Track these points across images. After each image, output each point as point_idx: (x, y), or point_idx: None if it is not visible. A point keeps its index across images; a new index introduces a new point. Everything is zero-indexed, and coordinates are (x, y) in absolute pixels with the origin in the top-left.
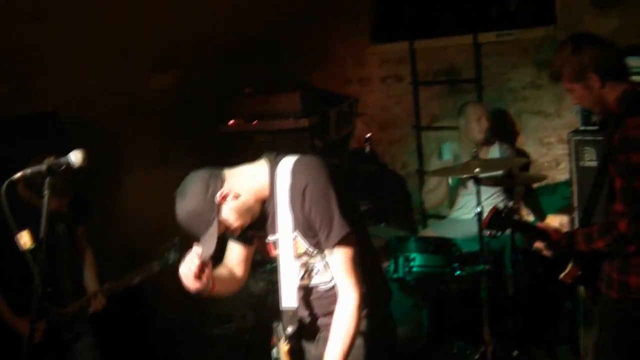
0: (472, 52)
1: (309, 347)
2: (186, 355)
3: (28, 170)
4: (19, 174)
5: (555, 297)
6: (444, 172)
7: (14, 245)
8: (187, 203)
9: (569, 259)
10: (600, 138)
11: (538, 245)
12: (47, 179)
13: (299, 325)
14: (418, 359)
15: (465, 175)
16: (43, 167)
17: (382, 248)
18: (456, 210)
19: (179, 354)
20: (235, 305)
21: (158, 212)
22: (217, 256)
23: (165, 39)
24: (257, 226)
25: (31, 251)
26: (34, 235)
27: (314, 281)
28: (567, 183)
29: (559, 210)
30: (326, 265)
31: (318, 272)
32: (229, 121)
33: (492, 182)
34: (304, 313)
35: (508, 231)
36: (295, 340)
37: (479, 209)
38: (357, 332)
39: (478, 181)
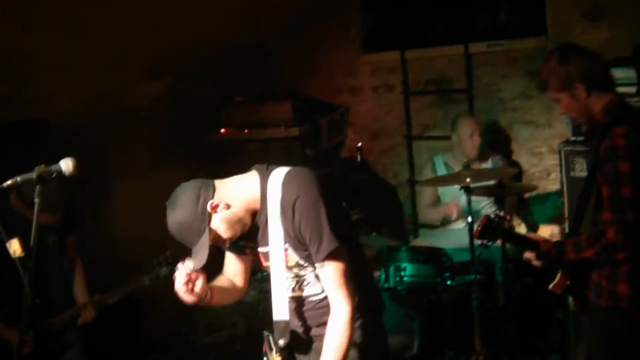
0: (463, 62)
1: (302, 359)
2: None
3: (18, 178)
4: (9, 182)
5: (546, 306)
6: (435, 182)
7: (4, 255)
8: (177, 213)
9: (557, 269)
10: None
11: (528, 255)
12: (38, 187)
13: (291, 337)
14: None
15: (456, 185)
16: (33, 175)
17: (373, 257)
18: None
19: None
20: (226, 314)
21: (149, 221)
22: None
23: (157, 47)
24: (248, 237)
25: (21, 260)
26: (24, 245)
27: (305, 292)
28: (558, 193)
29: (550, 221)
30: (317, 277)
31: (309, 283)
32: (221, 130)
33: (484, 192)
34: (296, 324)
35: (499, 241)
36: (288, 352)
37: (470, 219)
38: (350, 344)
39: (469, 191)
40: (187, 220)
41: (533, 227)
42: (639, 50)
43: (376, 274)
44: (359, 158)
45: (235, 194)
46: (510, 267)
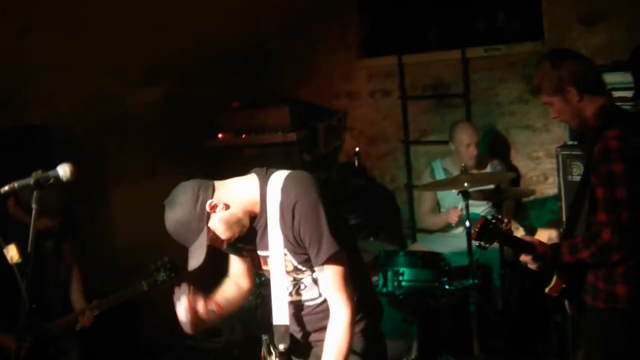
0: (460, 66)
1: None
2: None
3: (16, 184)
4: (6, 187)
5: (544, 310)
6: (433, 186)
7: (1, 260)
8: (176, 212)
9: (553, 272)
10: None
11: (524, 258)
12: (35, 193)
13: (291, 342)
14: None
15: (454, 190)
16: (31, 180)
17: (371, 262)
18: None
19: None
20: (224, 320)
21: (147, 226)
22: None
23: (154, 53)
24: (247, 240)
25: (18, 266)
26: (22, 250)
27: (303, 297)
28: (556, 197)
29: (548, 225)
30: (314, 281)
31: (305, 287)
32: (218, 135)
33: (481, 196)
34: (295, 330)
35: (496, 244)
36: (287, 357)
37: (467, 224)
38: (351, 347)
39: (467, 196)
40: (186, 218)
41: (531, 231)
42: (635, 55)
43: (374, 278)
44: (356, 163)
45: (235, 195)
46: (508, 272)
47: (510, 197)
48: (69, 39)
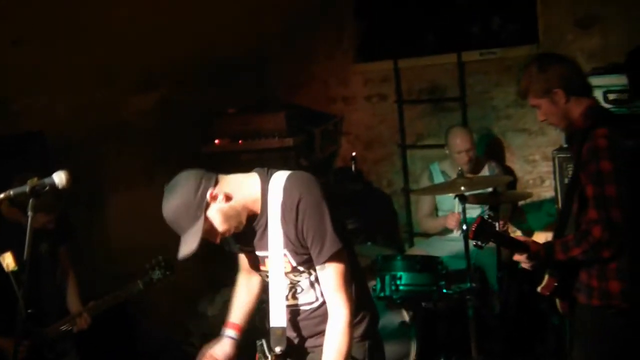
0: (456, 70)
1: None
2: None
3: (11, 192)
4: (2, 195)
5: (542, 313)
6: (429, 190)
7: None
8: (175, 197)
9: (544, 271)
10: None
11: (517, 257)
12: (31, 201)
13: (288, 345)
14: None
15: (451, 194)
16: (26, 188)
17: (369, 267)
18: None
19: None
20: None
21: (144, 232)
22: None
23: (149, 59)
24: (245, 240)
25: (14, 273)
26: (17, 256)
27: (299, 301)
28: (553, 200)
29: (545, 227)
30: (311, 284)
31: (302, 291)
32: (215, 141)
33: (478, 200)
34: (292, 335)
35: (493, 245)
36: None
37: (465, 227)
38: (351, 348)
39: (464, 200)
40: (184, 204)
41: (529, 234)
42: (630, 57)
43: (372, 283)
44: (353, 167)
45: (237, 189)
46: (505, 275)
47: (507, 201)
48: (65, 46)
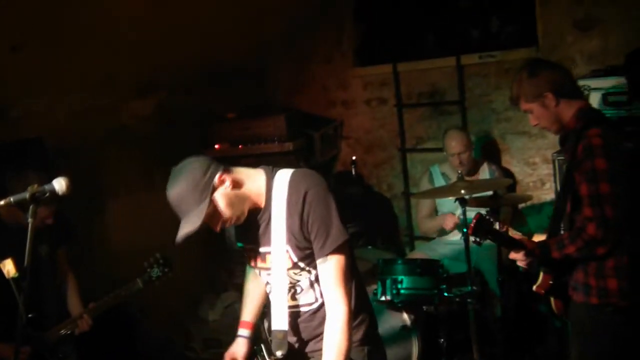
0: (455, 74)
1: None
2: None
3: (12, 198)
4: (2, 202)
5: (543, 315)
6: (430, 194)
7: None
8: (183, 179)
9: (539, 270)
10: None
11: (514, 255)
12: (31, 207)
13: (289, 349)
14: None
15: (451, 197)
16: (27, 195)
17: (370, 270)
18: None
19: None
20: (223, 329)
21: (144, 236)
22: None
23: (149, 64)
24: (247, 236)
25: (15, 280)
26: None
27: (299, 302)
28: (553, 203)
29: (545, 230)
30: (311, 284)
31: (302, 292)
32: (215, 146)
33: (478, 203)
34: (292, 339)
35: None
36: None
37: (465, 230)
38: (350, 346)
39: (464, 203)
40: (191, 185)
41: (529, 237)
42: (629, 60)
43: (373, 287)
44: (353, 171)
45: (243, 179)
46: (506, 278)
47: (507, 204)
48: (64, 52)
